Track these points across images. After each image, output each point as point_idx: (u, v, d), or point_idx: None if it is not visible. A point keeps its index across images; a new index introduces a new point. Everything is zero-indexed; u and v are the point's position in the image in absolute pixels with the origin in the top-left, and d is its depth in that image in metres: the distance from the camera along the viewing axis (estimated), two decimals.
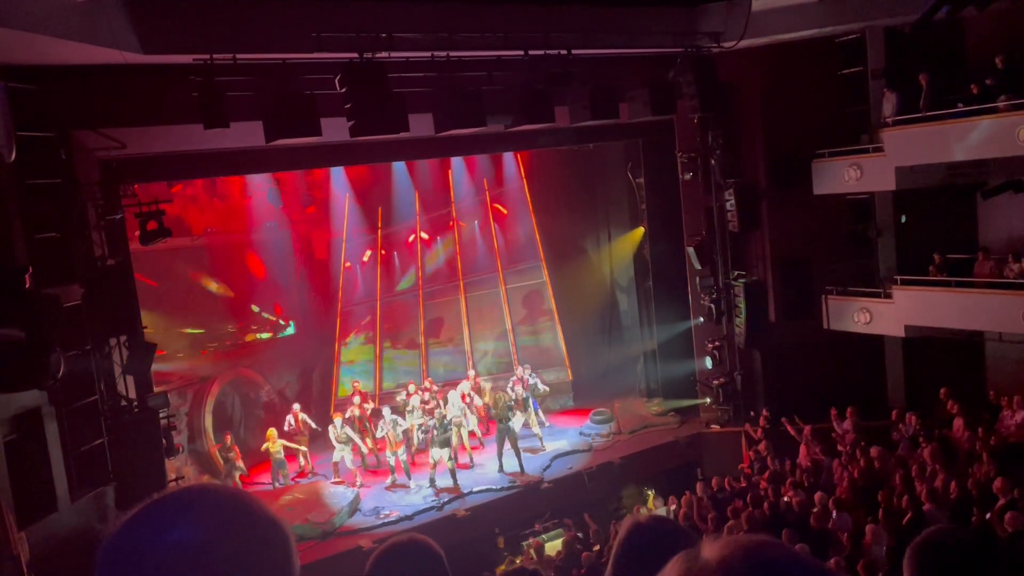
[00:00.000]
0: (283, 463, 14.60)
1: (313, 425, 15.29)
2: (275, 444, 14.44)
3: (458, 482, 14.13)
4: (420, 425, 14.84)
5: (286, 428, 14.99)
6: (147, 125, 10.94)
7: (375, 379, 18.17)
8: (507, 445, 14.64)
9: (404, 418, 14.71)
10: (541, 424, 16.21)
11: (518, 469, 14.53)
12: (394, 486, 14.37)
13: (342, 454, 14.62)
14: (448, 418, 14.33)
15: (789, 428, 13.22)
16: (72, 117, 10.31)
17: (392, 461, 14.46)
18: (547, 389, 16.69)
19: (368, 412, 15.60)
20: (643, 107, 13.46)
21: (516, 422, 15.11)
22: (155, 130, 11.12)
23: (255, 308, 17.53)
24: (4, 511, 8.34)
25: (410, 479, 14.39)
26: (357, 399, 15.64)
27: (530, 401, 15.91)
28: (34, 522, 9.29)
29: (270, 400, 17.15)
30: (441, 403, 15.23)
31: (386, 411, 14.62)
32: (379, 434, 14.76)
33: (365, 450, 15.16)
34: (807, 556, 1.03)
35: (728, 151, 15.00)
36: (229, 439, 14.35)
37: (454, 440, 14.46)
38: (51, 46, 8.62)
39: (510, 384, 16.11)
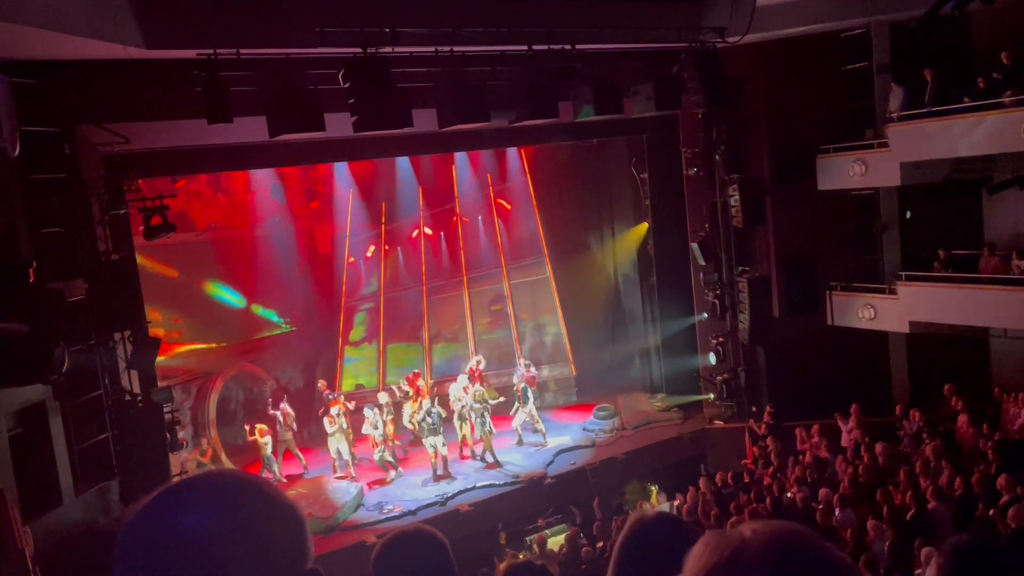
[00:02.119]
0: (271, 459, 14.73)
1: (293, 422, 15.36)
2: (263, 438, 14.62)
3: (450, 470, 14.38)
4: (410, 417, 14.97)
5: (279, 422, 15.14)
6: (151, 120, 10.94)
7: (379, 374, 18.18)
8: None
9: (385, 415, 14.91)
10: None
11: (492, 460, 14.80)
12: (381, 483, 14.55)
13: (337, 445, 14.72)
14: (435, 409, 14.42)
15: (800, 441, 13.19)
16: (76, 112, 10.31)
17: (378, 459, 14.61)
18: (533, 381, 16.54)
19: (351, 409, 15.62)
20: (647, 102, 13.41)
21: (518, 417, 15.45)
22: (159, 125, 11.13)
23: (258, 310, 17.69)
24: (9, 505, 8.37)
25: (388, 473, 14.59)
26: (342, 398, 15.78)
27: (529, 393, 15.88)
28: (39, 516, 9.32)
29: (274, 395, 17.19)
30: (416, 393, 15.38)
31: (367, 411, 14.74)
32: (364, 431, 14.87)
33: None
34: (834, 550, 1.06)
35: (732, 146, 14.96)
36: (205, 443, 14.67)
37: (458, 433, 14.72)
38: (55, 41, 8.62)
39: (516, 375, 16.24)
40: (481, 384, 15.85)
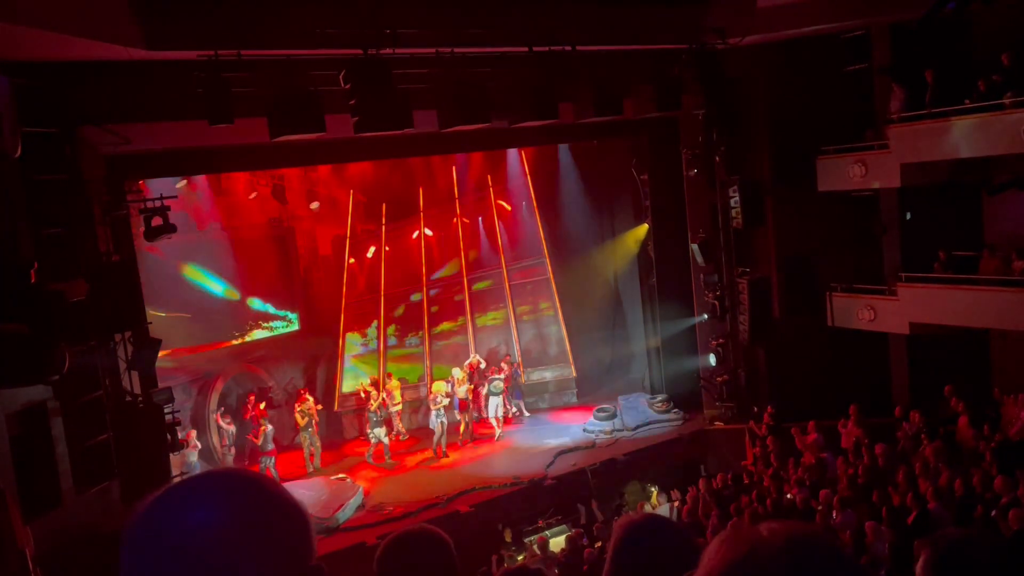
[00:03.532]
0: (194, 466, 14.80)
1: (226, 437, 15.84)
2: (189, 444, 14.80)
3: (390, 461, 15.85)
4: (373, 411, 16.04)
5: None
6: (152, 121, 10.94)
7: (379, 373, 18.18)
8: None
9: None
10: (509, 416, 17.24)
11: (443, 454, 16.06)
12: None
13: (309, 440, 15.79)
14: (380, 405, 15.99)
15: (797, 440, 13.18)
16: (77, 113, 10.31)
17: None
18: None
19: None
20: (648, 103, 13.43)
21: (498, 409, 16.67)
22: (160, 126, 11.13)
23: (255, 303, 17.79)
24: (10, 505, 8.37)
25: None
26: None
27: (493, 388, 16.74)
28: (40, 516, 9.31)
29: (274, 395, 17.22)
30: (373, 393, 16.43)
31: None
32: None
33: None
34: (843, 546, 1.08)
35: (733, 148, 14.97)
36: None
37: (462, 423, 16.49)
38: (56, 42, 8.63)
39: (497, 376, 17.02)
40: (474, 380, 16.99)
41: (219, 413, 15.78)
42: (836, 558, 1.05)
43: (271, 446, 15.13)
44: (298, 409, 15.87)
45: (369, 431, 16.03)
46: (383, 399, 16.19)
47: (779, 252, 15.24)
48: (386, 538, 2.34)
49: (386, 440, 15.97)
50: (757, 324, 14.97)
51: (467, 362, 17.59)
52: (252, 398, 16.35)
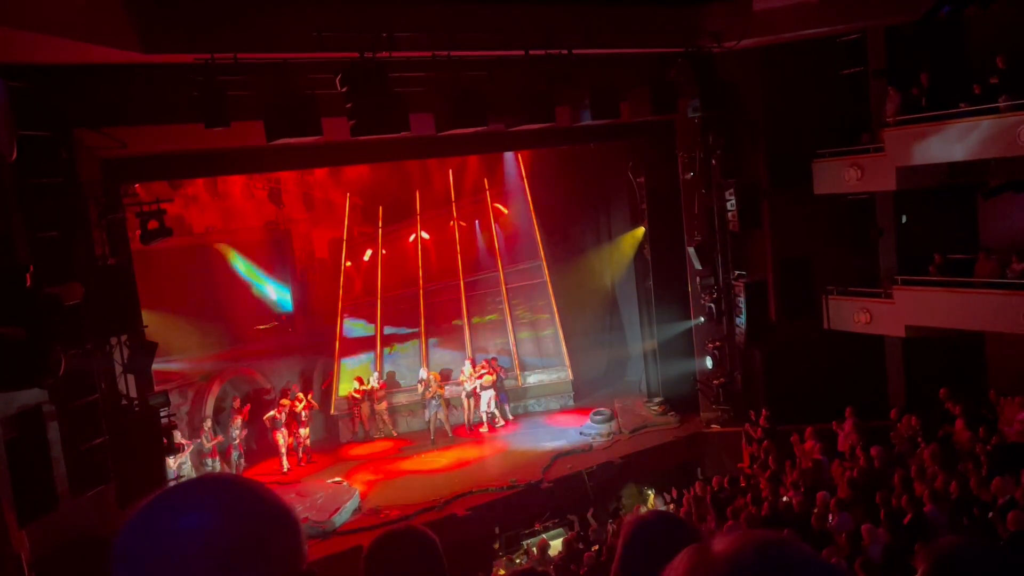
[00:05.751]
0: None
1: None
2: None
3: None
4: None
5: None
6: (148, 124, 10.94)
7: (377, 376, 18.16)
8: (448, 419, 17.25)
9: None
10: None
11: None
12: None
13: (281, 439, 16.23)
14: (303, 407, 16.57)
15: (796, 449, 13.19)
16: (73, 116, 10.28)
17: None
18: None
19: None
20: (644, 107, 13.45)
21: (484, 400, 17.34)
22: (156, 129, 11.12)
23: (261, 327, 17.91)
24: (5, 509, 8.35)
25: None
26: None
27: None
28: (35, 521, 9.29)
29: (272, 398, 17.21)
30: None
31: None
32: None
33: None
34: (818, 555, 1.04)
35: (729, 151, 14.98)
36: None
37: (464, 413, 17.42)
38: (52, 45, 8.62)
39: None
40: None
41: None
42: (808, 561, 1.01)
43: (209, 447, 15.35)
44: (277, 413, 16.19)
45: (300, 431, 16.65)
46: (309, 401, 16.73)
47: (775, 255, 15.26)
48: (374, 537, 2.35)
49: (306, 440, 16.56)
50: (754, 327, 14.99)
51: (470, 361, 17.87)
52: (237, 402, 16.33)
